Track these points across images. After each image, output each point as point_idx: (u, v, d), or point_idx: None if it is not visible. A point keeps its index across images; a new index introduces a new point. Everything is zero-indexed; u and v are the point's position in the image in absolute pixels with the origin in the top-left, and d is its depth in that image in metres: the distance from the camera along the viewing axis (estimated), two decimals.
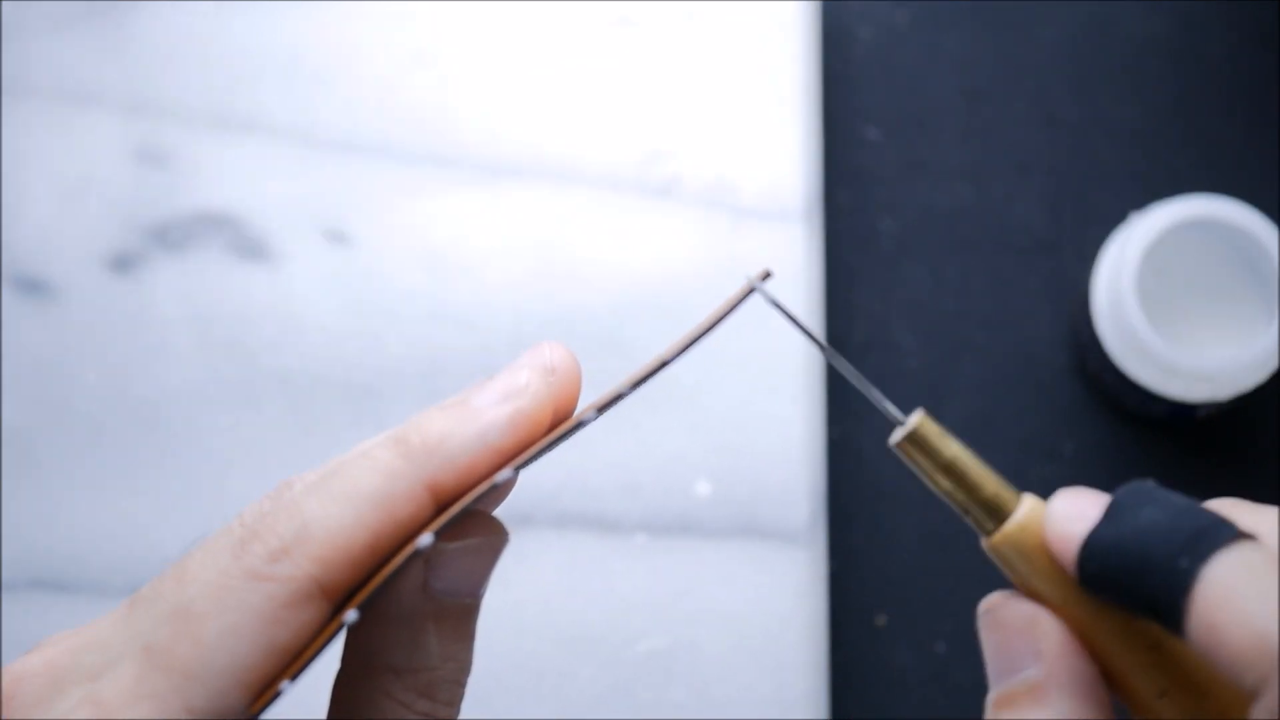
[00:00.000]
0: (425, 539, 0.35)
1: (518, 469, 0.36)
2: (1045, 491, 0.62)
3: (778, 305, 0.37)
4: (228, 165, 0.56)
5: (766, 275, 0.37)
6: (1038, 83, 0.63)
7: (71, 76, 0.57)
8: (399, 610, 0.38)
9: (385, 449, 0.37)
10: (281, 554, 0.36)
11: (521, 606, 0.54)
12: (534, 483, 0.54)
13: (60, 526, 0.53)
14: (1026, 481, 0.61)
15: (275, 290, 0.55)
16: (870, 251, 0.62)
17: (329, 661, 0.38)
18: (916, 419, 0.36)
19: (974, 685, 0.60)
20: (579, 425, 0.36)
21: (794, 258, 0.55)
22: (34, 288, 0.56)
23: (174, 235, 0.56)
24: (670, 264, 0.55)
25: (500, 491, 0.38)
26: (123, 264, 0.56)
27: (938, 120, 0.63)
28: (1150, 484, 0.34)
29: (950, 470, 0.37)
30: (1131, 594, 0.33)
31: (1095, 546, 0.33)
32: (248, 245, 0.56)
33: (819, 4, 0.60)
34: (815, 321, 0.56)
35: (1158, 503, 0.34)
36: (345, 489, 0.36)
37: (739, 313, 0.55)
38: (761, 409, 0.55)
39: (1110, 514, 0.34)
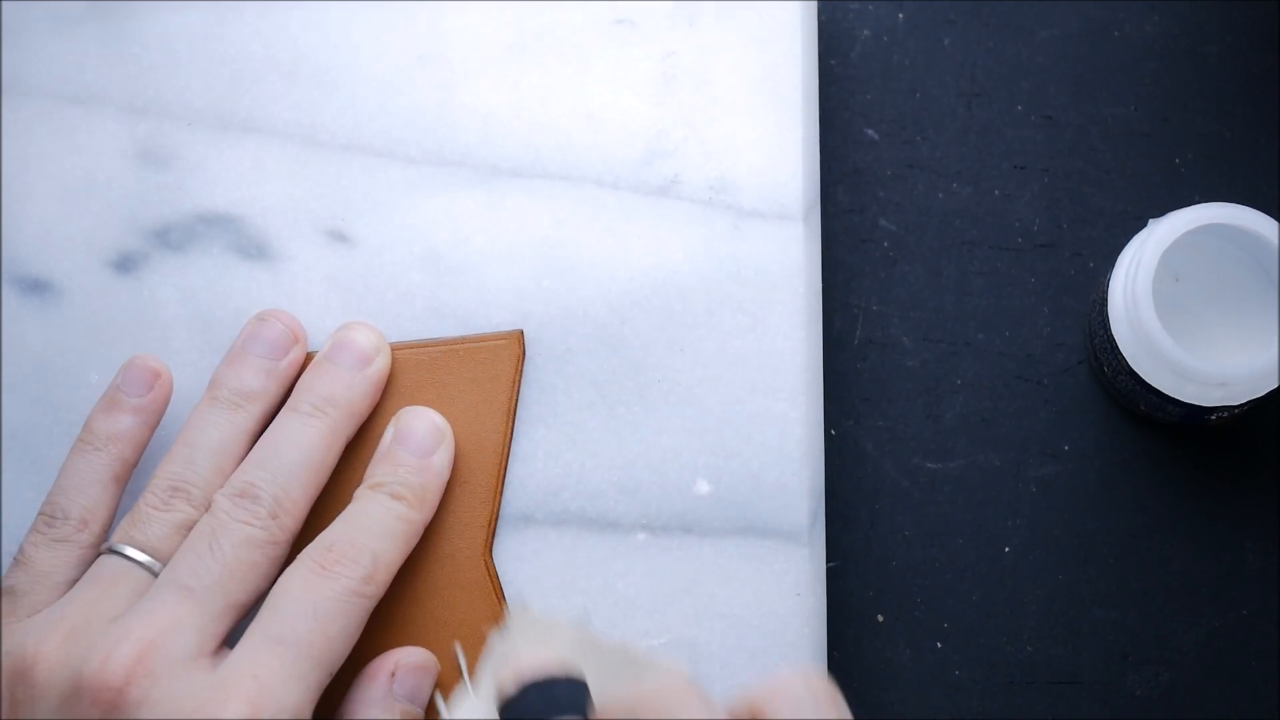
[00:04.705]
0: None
1: None
2: (1045, 492, 0.62)
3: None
4: (229, 165, 0.56)
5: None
6: (1037, 83, 0.63)
7: (73, 77, 0.57)
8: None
9: (399, 503, 0.51)
10: (370, 580, 0.49)
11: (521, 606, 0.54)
12: (534, 482, 0.54)
13: None
14: (1026, 482, 0.61)
15: (276, 290, 0.55)
16: (869, 251, 0.62)
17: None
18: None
19: (974, 684, 0.60)
20: None
21: (793, 257, 0.55)
22: (35, 288, 0.56)
23: (175, 235, 0.56)
24: (670, 264, 0.55)
25: None
26: (124, 264, 0.56)
27: (937, 120, 0.63)
28: (556, 675, 0.46)
29: None
30: None
31: (502, 709, 0.46)
32: (249, 245, 0.56)
33: (817, 4, 0.60)
34: (814, 321, 0.56)
35: (536, 690, 0.45)
36: (390, 531, 0.50)
37: (738, 313, 0.55)
38: (761, 408, 0.55)
39: (516, 695, 0.46)
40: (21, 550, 0.51)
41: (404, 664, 0.50)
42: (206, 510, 0.50)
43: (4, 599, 0.50)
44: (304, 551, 0.49)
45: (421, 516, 0.51)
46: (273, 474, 0.50)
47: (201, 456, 0.51)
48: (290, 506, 0.50)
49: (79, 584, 0.49)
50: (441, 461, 0.52)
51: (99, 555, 0.50)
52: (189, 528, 0.50)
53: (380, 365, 0.53)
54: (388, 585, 0.50)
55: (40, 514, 0.51)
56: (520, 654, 0.49)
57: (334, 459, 0.52)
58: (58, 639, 0.47)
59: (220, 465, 0.51)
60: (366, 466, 0.53)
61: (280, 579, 0.48)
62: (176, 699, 0.45)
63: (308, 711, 0.46)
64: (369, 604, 0.49)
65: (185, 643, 0.46)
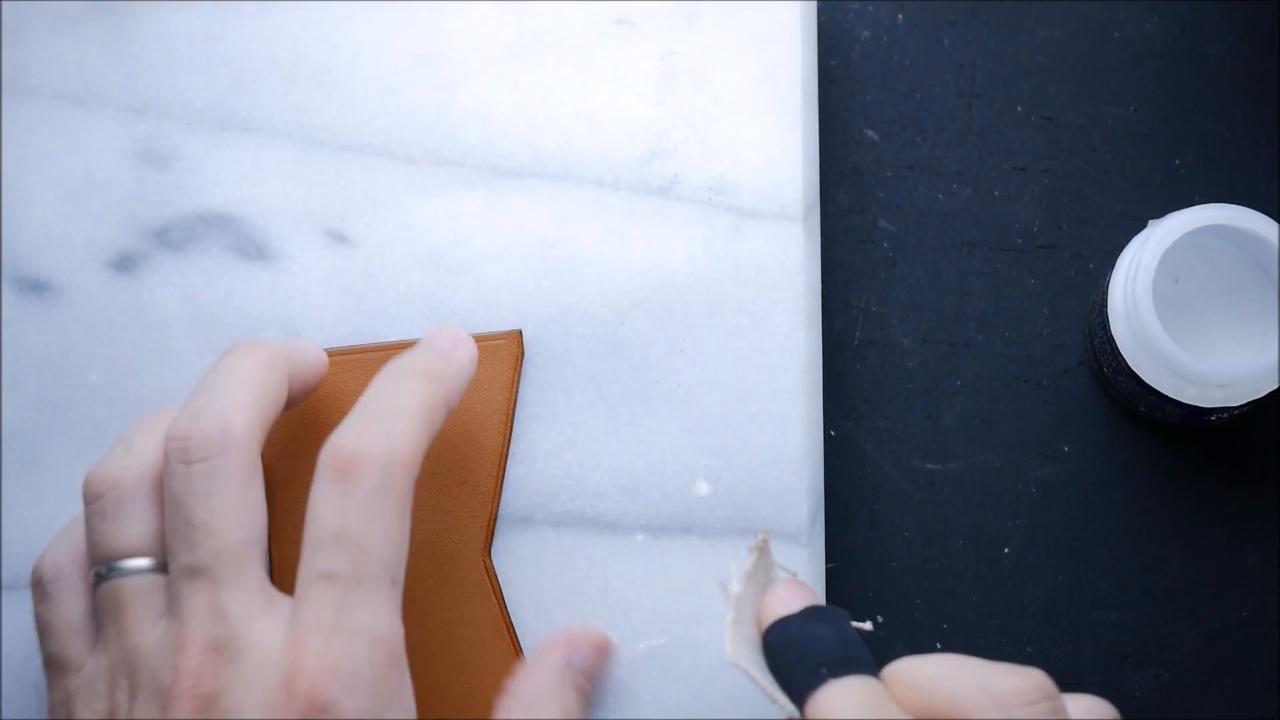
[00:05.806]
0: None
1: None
2: (1045, 493, 0.62)
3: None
4: (229, 165, 0.56)
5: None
6: (1037, 83, 0.63)
7: (73, 77, 0.57)
8: None
9: (414, 379, 0.47)
10: (391, 467, 0.45)
11: (521, 606, 0.54)
12: (533, 483, 0.54)
13: (61, 527, 0.53)
14: (1026, 483, 0.61)
15: (276, 290, 0.56)
16: (869, 252, 0.62)
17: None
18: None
19: None
20: None
21: (793, 257, 0.55)
22: (35, 287, 0.56)
23: (175, 235, 0.56)
24: (670, 264, 0.56)
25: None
26: (125, 264, 0.56)
27: (936, 121, 0.63)
28: (843, 612, 0.46)
29: None
30: (782, 670, 0.44)
31: (777, 628, 0.45)
32: (249, 245, 0.56)
33: (817, 4, 0.60)
34: (814, 322, 0.56)
35: (832, 624, 0.45)
36: (406, 409, 0.46)
37: (738, 314, 0.55)
38: (761, 408, 0.55)
39: (804, 614, 0.45)
40: (36, 617, 0.50)
41: (582, 640, 0.52)
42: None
43: (49, 671, 0.49)
44: (320, 459, 0.46)
45: (441, 391, 0.48)
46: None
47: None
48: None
49: (101, 627, 0.48)
50: (463, 356, 0.50)
51: (97, 585, 0.48)
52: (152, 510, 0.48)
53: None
54: (417, 465, 0.46)
55: (32, 585, 0.50)
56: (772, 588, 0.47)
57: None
58: (112, 694, 0.46)
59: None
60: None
61: (308, 504, 0.46)
62: (251, 681, 0.44)
63: (391, 624, 0.45)
64: (402, 490, 0.45)
65: (237, 612, 0.45)
